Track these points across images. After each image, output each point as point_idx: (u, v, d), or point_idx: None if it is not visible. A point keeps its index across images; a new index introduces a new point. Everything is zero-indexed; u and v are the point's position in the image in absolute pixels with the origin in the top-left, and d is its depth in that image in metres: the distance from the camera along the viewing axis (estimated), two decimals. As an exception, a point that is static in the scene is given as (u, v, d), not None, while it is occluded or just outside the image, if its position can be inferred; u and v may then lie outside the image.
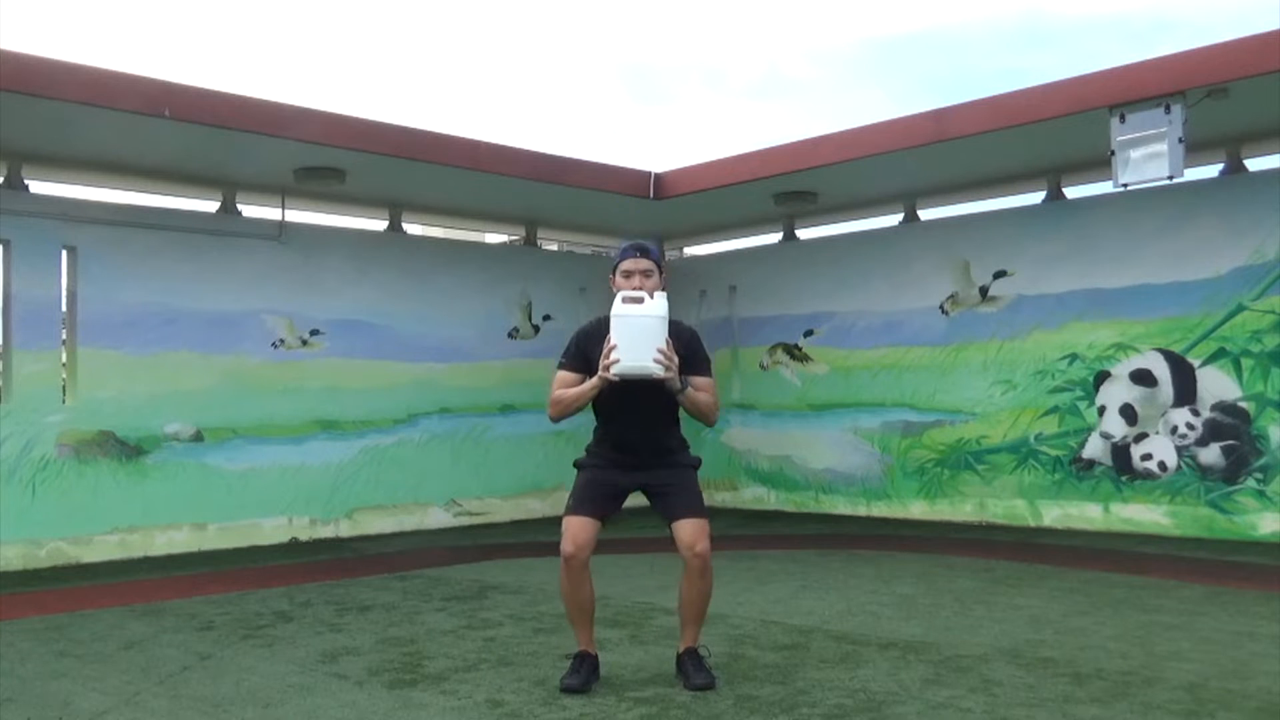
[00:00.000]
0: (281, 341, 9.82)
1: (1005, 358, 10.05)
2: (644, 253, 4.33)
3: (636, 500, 4.33)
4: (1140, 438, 9.14)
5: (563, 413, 4.31)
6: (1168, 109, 7.22)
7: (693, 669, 4.24)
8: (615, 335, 4.08)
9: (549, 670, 4.57)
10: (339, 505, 10.04)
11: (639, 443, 4.28)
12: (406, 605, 6.25)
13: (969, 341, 10.32)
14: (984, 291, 10.24)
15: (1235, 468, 8.61)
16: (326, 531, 9.91)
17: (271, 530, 9.56)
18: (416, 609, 6.13)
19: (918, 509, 10.61)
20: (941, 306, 10.55)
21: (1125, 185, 7.53)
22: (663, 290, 4.31)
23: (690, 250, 14.83)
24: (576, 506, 4.26)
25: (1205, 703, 3.95)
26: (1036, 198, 10.13)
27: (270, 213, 9.96)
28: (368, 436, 10.32)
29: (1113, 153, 7.47)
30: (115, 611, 6.21)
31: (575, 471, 4.42)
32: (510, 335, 11.59)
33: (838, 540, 9.16)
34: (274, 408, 9.69)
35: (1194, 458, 8.83)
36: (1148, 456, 9.09)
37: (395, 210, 10.90)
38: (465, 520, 10.90)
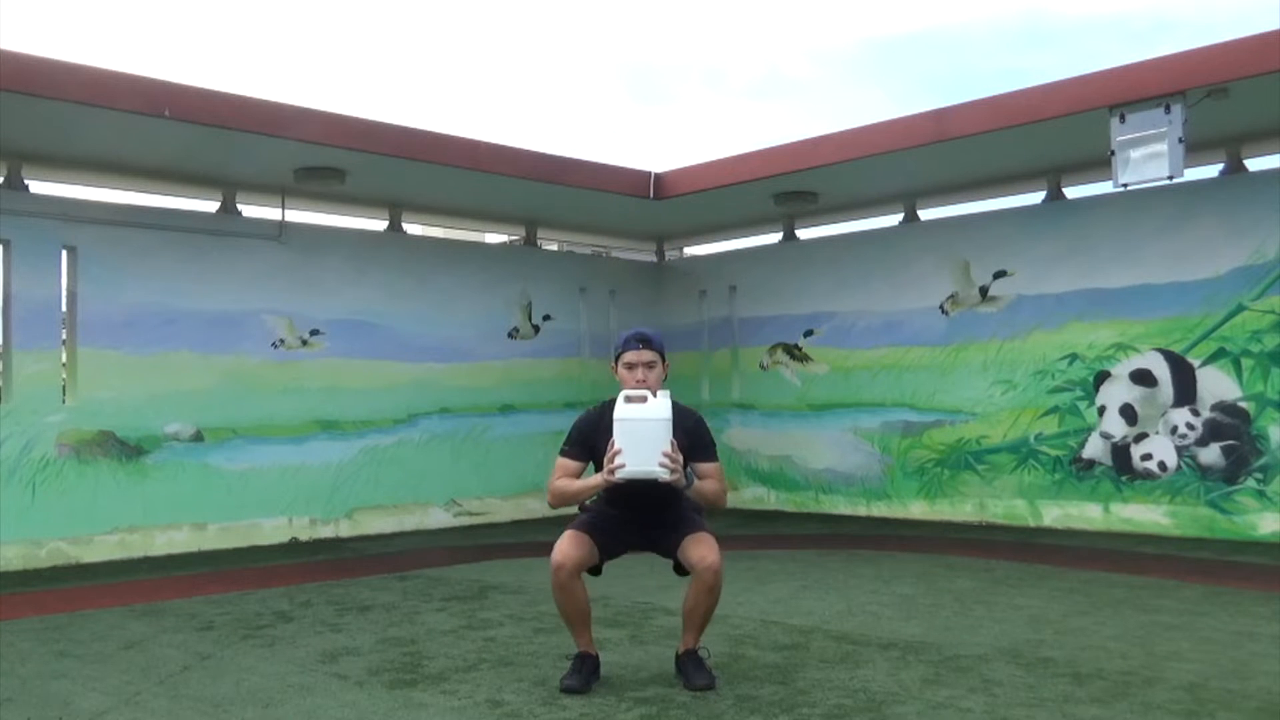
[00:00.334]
0: (281, 341, 9.82)
1: (1005, 358, 10.06)
2: (646, 343, 4.24)
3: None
4: (1140, 438, 9.14)
5: (561, 504, 4.32)
6: (1168, 109, 7.23)
7: (693, 669, 4.24)
8: (619, 439, 4.04)
9: (549, 670, 4.57)
10: (339, 505, 10.05)
11: (645, 513, 4.27)
12: (406, 605, 6.25)
13: (969, 341, 10.32)
14: (984, 291, 10.24)
15: (1235, 468, 8.61)
16: (326, 531, 9.91)
17: (271, 530, 9.56)
18: (416, 609, 6.13)
19: (918, 509, 10.61)
20: (941, 306, 10.55)
21: (1125, 185, 7.53)
22: (664, 380, 4.24)
23: (690, 250, 14.83)
24: (576, 524, 4.30)
25: (1205, 703, 3.95)
26: (1036, 198, 10.13)
27: (270, 213, 9.96)
28: (368, 436, 10.33)
29: (1113, 153, 7.47)
30: (115, 611, 6.21)
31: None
32: (510, 335, 11.59)
33: (838, 540, 9.16)
34: (274, 408, 9.69)
35: (1194, 458, 8.83)
36: (1148, 456, 9.09)
37: (395, 210, 10.90)
38: (465, 520, 10.91)
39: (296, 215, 10.22)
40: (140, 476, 8.85)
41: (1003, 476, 10.00)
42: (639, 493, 4.14)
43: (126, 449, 8.80)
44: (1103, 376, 9.40)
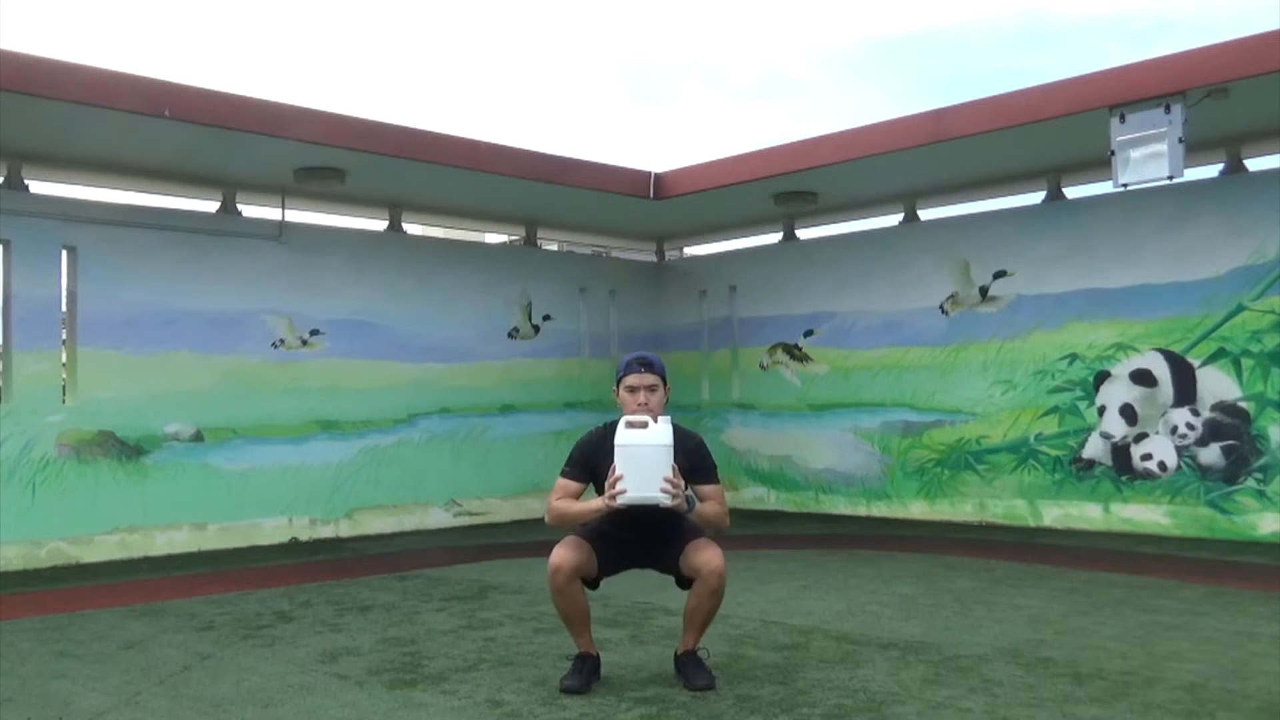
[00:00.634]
0: (281, 341, 9.82)
1: (1005, 358, 10.06)
2: (649, 367, 4.25)
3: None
4: (1140, 438, 9.14)
5: (560, 526, 4.30)
6: (1168, 109, 7.22)
7: (693, 669, 4.24)
8: (620, 465, 4.04)
9: (549, 670, 4.57)
10: (339, 505, 10.05)
11: (646, 532, 4.26)
12: (406, 605, 6.25)
13: (969, 341, 10.32)
14: (984, 291, 10.24)
15: (1235, 468, 8.61)
16: (326, 531, 9.91)
17: (271, 530, 9.56)
18: (416, 609, 6.13)
19: (918, 509, 10.61)
20: (941, 306, 10.55)
21: (1125, 185, 7.53)
22: (666, 403, 4.24)
23: (690, 250, 14.83)
24: (577, 532, 4.29)
25: (1205, 703, 3.95)
26: (1036, 198, 10.13)
27: (270, 213, 9.96)
28: (368, 436, 10.33)
29: (1113, 153, 7.47)
30: (115, 611, 6.21)
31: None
32: (510, 335, 11.59)
33: (838, 540, 9.16)
34: (274, 408, 9.69)
35: (1194, 458, 8.83)
36: (1148, 456, 9.09)
37: (395, 210, 10.90)
38: (465, 520, 10.90)
39: (296, 215, 10.22)
40: (140, 476, 8.85)
41: (1003, 476, 10.00)
42: (639, 517, 4.15)
43: (126, 449, 8.80)
44: (1103, 376, 9.40)
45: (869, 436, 11.07)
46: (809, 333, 11.63)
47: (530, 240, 12.16)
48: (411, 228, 11.58)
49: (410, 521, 10.50)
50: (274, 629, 5.61)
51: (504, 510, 11.21)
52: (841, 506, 11.24)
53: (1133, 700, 4.00)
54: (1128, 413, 9.22)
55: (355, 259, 10.41)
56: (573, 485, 4.32)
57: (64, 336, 8.76)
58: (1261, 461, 8.48)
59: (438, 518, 10.73)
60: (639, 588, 6.54)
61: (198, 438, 9.22)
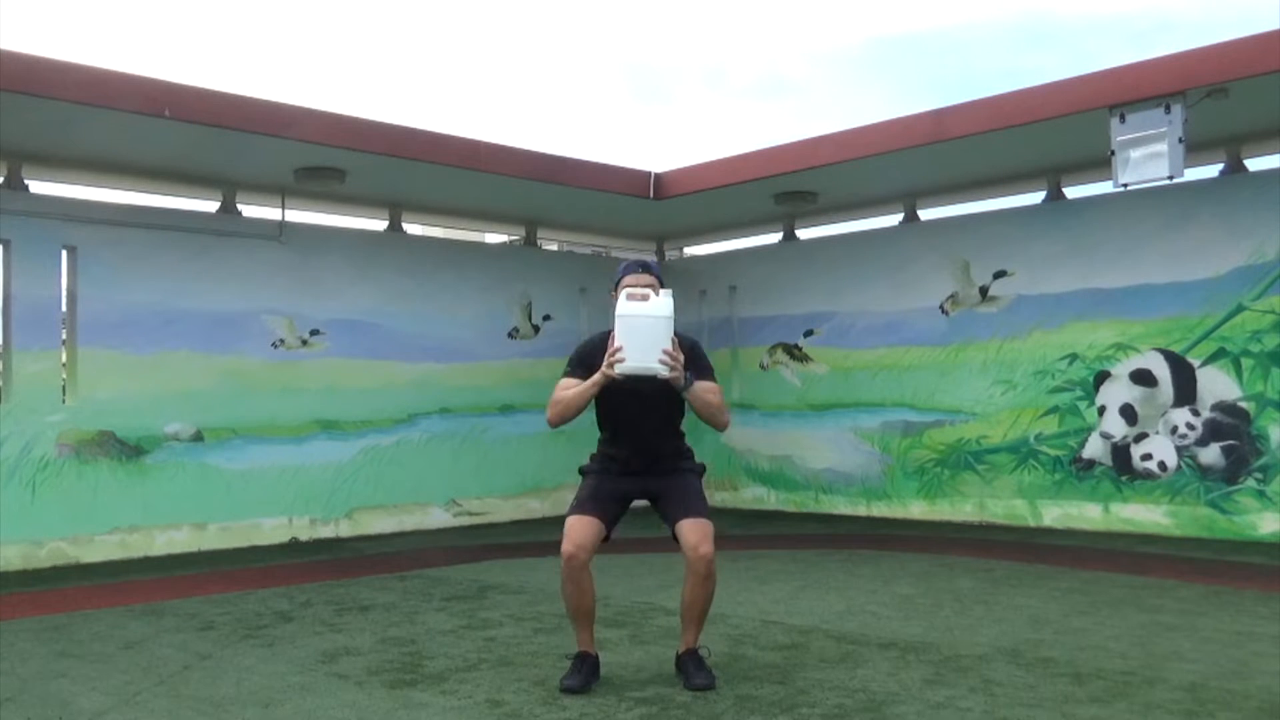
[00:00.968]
0: (281, 341, 9.82)
1: (1005, 358, 10.06)
2: (646, 269, 4.35)
3: (638, 501, 4.35)
4: (1140, 438, 9.14)
5: (562, 414, 4.31)
6: (1168, 109, 7.22)
7: (693, 669, 4.25)
8: (620, 335, 4.08)
9: (549, 670, 4.57)
10: (339, 505, 10.05)
11: (643, 450, 4.32)
12: (406, 605, 6.25)
13: (969, 341, 10.32)
14: (984, 291, 10.24)
15: (1235, 468, 8.61)
16: (326, 531, 9.91)
17: (271, 530, 9.56)
18: (416, 609, 6.13)
19: (918, 509, 10.61)
20: (941, 306, 10.55)
21: (1125, 185, 7.52)
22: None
23: (690, 250, 14.83)
24: (578, 507, 4.30)
25: (1205, 703, 3.95)
26: (1036, 198, 10.13)
27: (270, 213, 9.96)
28: (368, 436, 10.33)
29: (1113, 153, 7.47)
30: (115, 611, 6.21)
31: (577, 473, 4.45)
32: (510, 335, 11.59)
33: (838, 540, 9.16)
34: (274, 408, 9.69)
35: (1194, 458, 8.83)
36: (1148, 456, 9.09)
37: (395, 210, 10.90)
38: (465, 520, 10.90)
39: (296, 215, 10.22)
40: (140, 476, 8.85)
41: (1003, 476, 10.00)
42: (637, 429, 4.23)
43: (126, 449, 8.80)
44: (1103, 376, 9.40)
45: (869, 436, 11.07)
46: (809, 333, 11.63)
47: (530, 240, 12.16)
48: (411, 228, 11.58)
49: (410, 521, 10.50)
50: (274, 629, 5.61)
51: (504, 510, 11.21)
52: (841, 506, 11.24)
53: (1133, 700, 4.00)
54: (1128, 413, 9.22)
55: (355, 259, 10.41)
56: (572, 382, 4.34)
57: (64, 336, 8.76)
58: (1261, 461, 8.48)
59: (438, 518, 10.74)
60: (639, 588, 6.55)
61: (198, 438, 9.22)
